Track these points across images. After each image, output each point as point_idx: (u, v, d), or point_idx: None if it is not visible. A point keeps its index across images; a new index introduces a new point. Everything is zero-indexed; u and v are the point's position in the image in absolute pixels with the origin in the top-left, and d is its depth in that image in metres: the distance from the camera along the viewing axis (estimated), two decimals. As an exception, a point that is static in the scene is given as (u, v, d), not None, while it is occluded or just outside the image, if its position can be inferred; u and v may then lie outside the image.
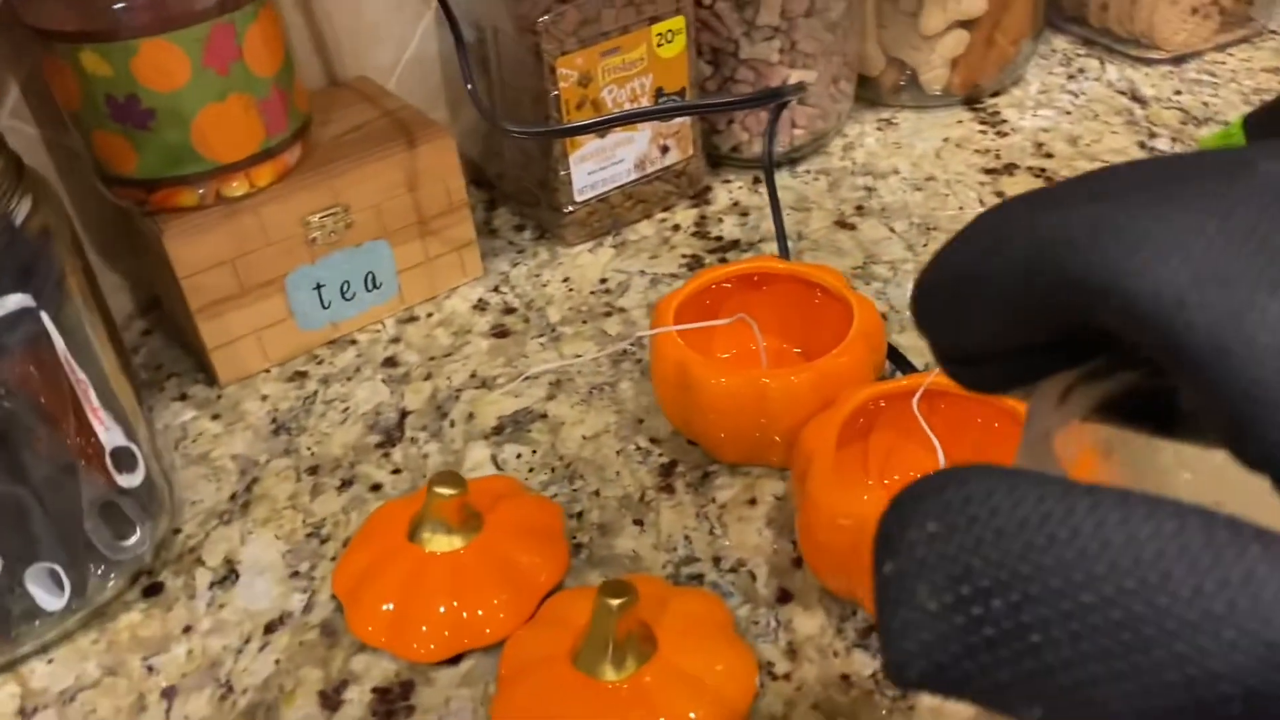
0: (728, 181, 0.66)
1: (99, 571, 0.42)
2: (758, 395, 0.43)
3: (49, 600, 0.40)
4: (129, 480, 0.42)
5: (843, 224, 0.61)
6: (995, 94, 0.72)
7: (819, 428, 0.41)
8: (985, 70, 0.69)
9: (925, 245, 0.59)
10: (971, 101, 0.71)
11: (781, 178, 0.66)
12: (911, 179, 0.65)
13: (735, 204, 0.64)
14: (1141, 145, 0.66)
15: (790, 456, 0.44)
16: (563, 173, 0.59)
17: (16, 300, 0.37)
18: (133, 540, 0.43)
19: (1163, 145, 0.65)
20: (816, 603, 0.41)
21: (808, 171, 0.66)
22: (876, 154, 0.68)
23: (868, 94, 0.71)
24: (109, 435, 0.41)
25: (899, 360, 0.50)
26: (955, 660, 0.14)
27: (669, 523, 0.44)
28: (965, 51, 0.68)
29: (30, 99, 0.53)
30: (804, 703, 0.37)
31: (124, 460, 0.42)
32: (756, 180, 0.66)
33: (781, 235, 0.56)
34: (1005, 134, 0.68)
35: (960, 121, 0.70)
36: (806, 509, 0.39)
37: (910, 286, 0.56)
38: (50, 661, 0.41)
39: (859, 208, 0.63)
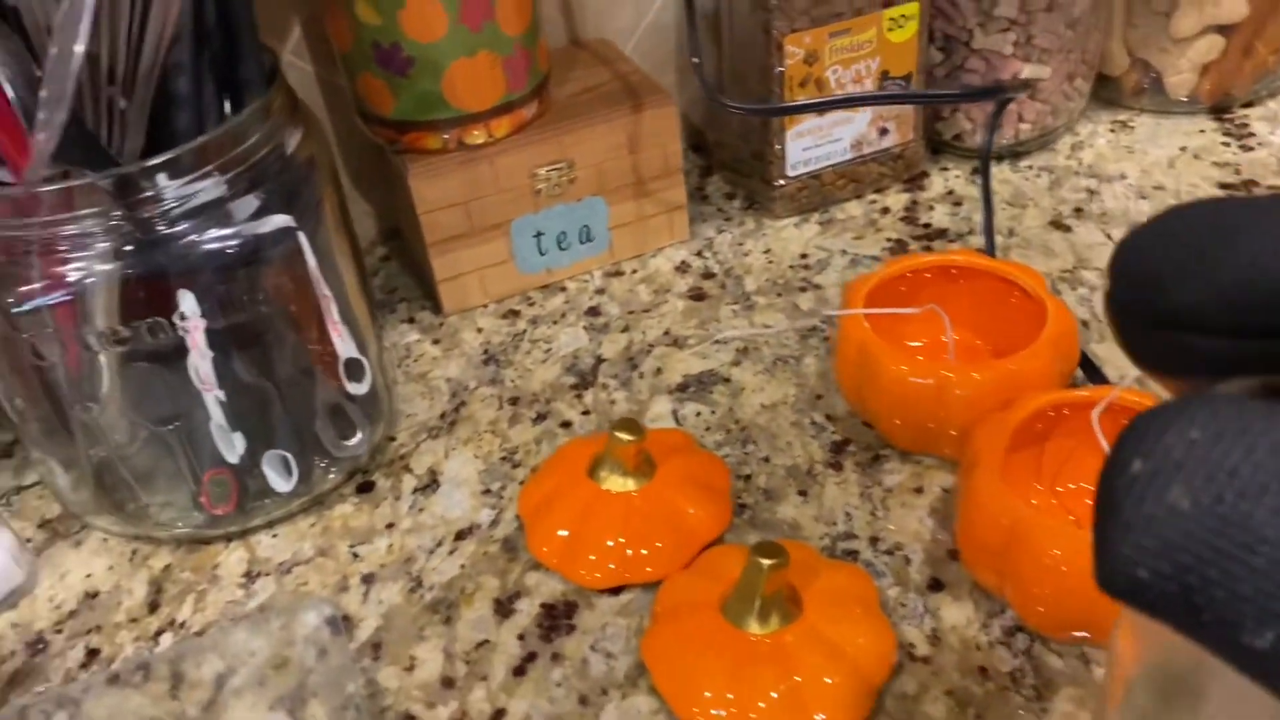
0: (945, 169, 0.66)
1: (322, 465, 0.48)
2: (938, 388, 0.44)
3: (279, 483, 0.47)
4: (356, 388, 0.48)
5: (1058, 224, 0.60)
6: (1247, 105, 0.68)
7: (992, 426, 0.41)
8: (1239, 79, 0.66)
9: (1142, 256, 0.57)
10: (1219, 111, 0.68)
11: (1001, 171, 0.65)
12: (1139, 186, 0.63)
13: (949, 192, 0.64)
14: None
15: (962, 451, 0.44)
16: (778, 147, 0.60)
17: (280, 220, 0.42)
18: (353, 441, 0.49)
19: None
20: (966, 595, 0.42)
21: (1030, 167, 0.65)
22: (1105, 156, 0.65)
23: (1106, 93, 0.69)
24: (344, 346, 0.46)
25: (1091, 370, 0.49)
26: (1198, 563, 0.13)
27: (832, 498, 0.46)
28: (1219, 58, 0.64)
29: (309, 39, 0.59)
30: (938, 687, 0.39)
31: (354, 370, 0.48)
32: (975, 171, 0.65)
33: (990, 231, 0.56)
34: (1251, 148, 0.64)
35: (1202, 131, 0.67)
36: (968, 503, 0.40)
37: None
38: (274, 536, 0.47)
39: (1078, 210, 0.61)
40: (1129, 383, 0.44)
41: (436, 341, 0.58)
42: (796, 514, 0.46)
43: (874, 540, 0.44)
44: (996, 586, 0.40)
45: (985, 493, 0.39)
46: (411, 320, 0.60)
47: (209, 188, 0.40)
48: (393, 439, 0.52)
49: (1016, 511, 0.38)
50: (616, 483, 0.45)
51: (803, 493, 0.47)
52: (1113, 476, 0.15)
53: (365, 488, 0.49)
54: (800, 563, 0.40)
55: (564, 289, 0.60)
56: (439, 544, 0.46)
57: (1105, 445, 0.41)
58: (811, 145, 0.61)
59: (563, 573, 0.44)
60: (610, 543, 0.44)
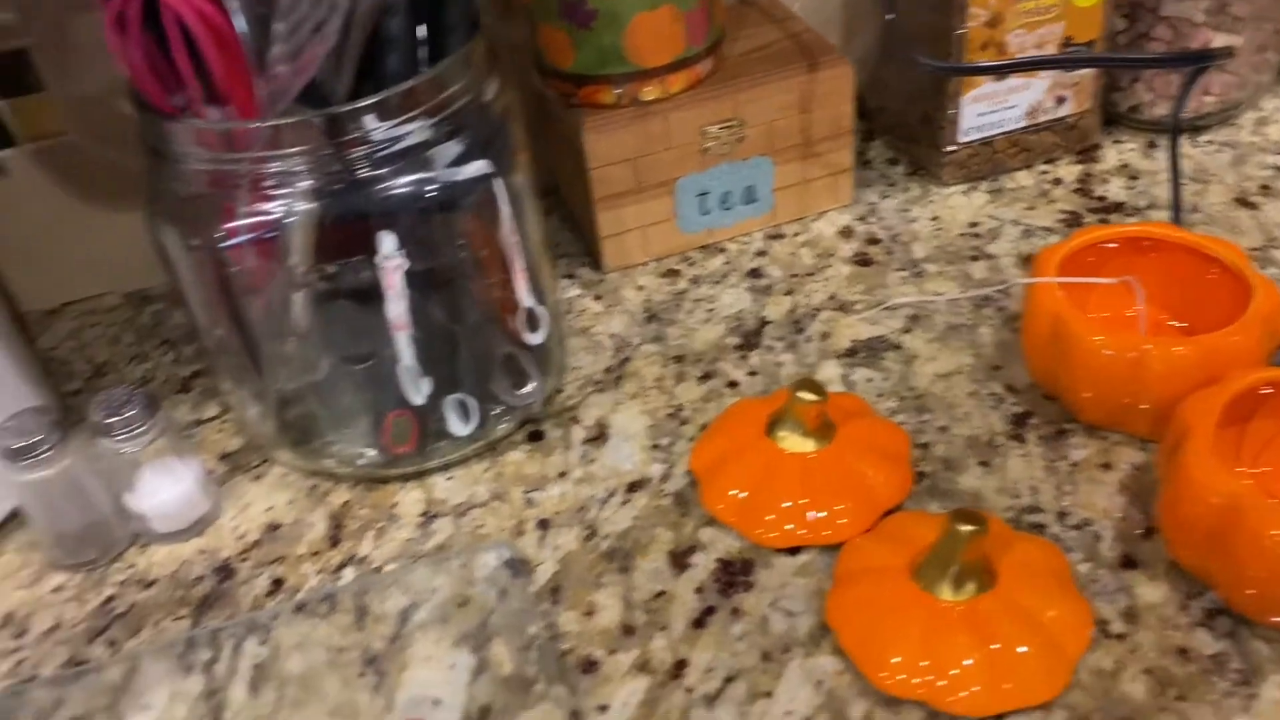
0: (1119, 142, 0.64)
1: (496, 412, 0.49)
2: (1135, 361, 0.43)
3: (458, 426, 0.47)
4: (533, 338, 0.48)
5: (1244, 202, 0.58)
6: None
7: (1201, 402, 0.40)
8: None
9: (1338, 236, 0.54)
10: None
11: (1180, 145, 0.62)
12: (1332, 163, 0.60)
13: (1124, 166, 0.62)
14: None
15: (1159, 428, 0.43)
16: (951, 111, 0.59)
17: (479, 166, 0.43)
18: (527, 390, 0.49)
19: None
20: (1162, 575, 0.40)
21: (1210, 142, 0.63)
22: (1294, 132, 0.62)
23: (1294, 66, 0.66)
24: (526, 296, 0.47)
25: (1292, 351, 0.47)
26: None
27: (1016, 470, 0.45)
28: None
29: (482, -8, 0.60)
30: (1135, 665, 0.37)
31: (532, 320, 0.48)
32: (1151, 144, 0.63)
33: (1177, 203, 0.53)
34: None
35: (1403, 107, 0.63)
36: (1175, 482, 0.39)
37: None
38: (449, 479, 0.48)
39: (1264, 187, 0.59)
40: (1344, 364, 0.42)
41: (598, 297, 0.58)
42: (979, 485, 0.45)
43: (1061, 515, 0.43)
44: (1200, 567, 0.39)
45: (1196, 470, 0.38)
46: (572, 276, 0.60)
47: (415, 131, 0.41)
48: (560, 391, 0.52)
49: (1232, 490, 0.36)
50: (795, 443, 0.44)
51: (984, 464, 0.46)
52: None
53: (536, 436, 0.50)
54: (992, 533, 0.39)
55: (723, 250, 0.60)
56: (611, 494, 0.46)
57: (1323, 427, 0.39)
58: (986, 111, 0.59)
59: (740, 530, 0.44)
60: (788, 503, 0.43)
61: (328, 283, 0.42)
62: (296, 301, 0.44)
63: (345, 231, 0.42)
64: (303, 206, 0.41)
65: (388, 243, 0.42)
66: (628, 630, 0.41)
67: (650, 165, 0.56)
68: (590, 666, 0.40)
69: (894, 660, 0.37)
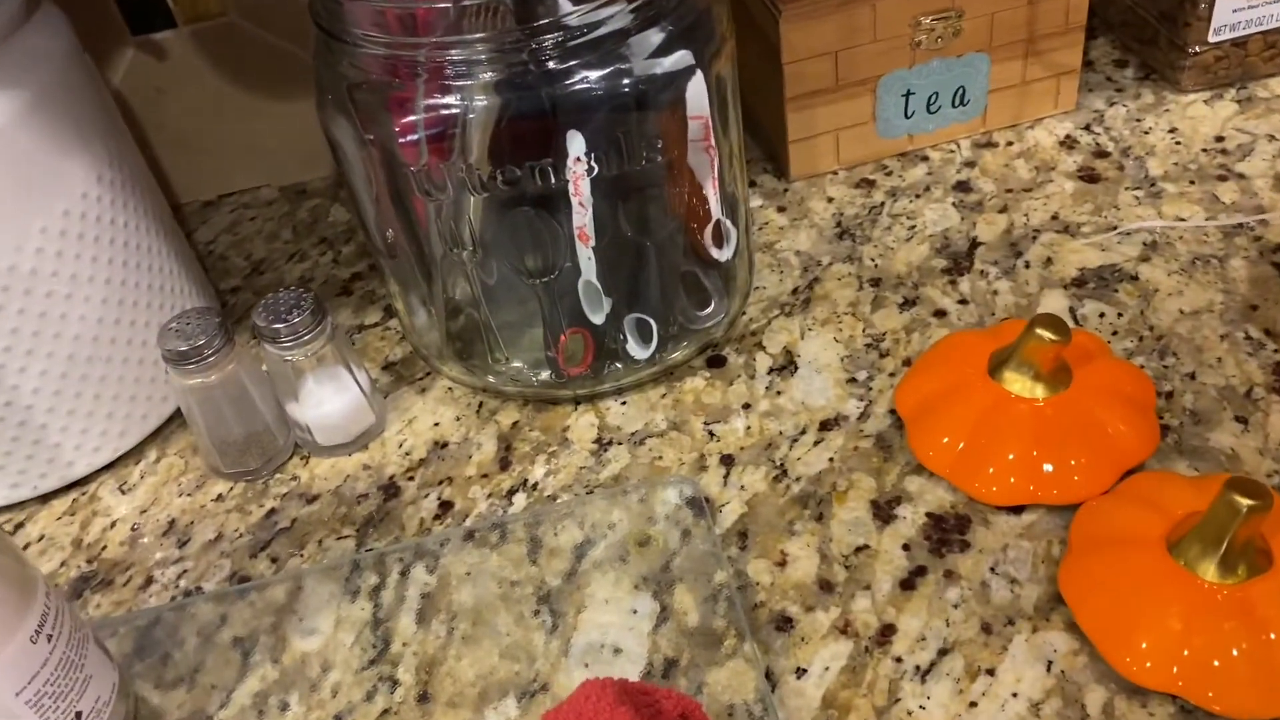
0: (1398, 45, 0.55)
1: (675, 335, 0.45)
2: None
3: (637, 349, 0.43)
4: (721, 254, 0.43)
5: None
6: None
7: None
8: None
9: None
10: None
11: None
12: None
13: (1405, 73, 0.53)
14: None
15: None
16: (1203, 5, 0.51)
17: (682, 57, 0.38)
18: (709, 311, 0.45)
19: None
20: None
21: None
22: None
23: None
24: (718, 208, 0.42)
25: None
26: None
27: (1279, 428, 0.39)
28: None
29: None
30: None
31: (721, 235, 0.43)
32: None
33: None
34: None
35: None
36: None
37: None
38: (624, 404, 0.45)
39: None
40: None
41: (782, 209, 0.53)
42: (1235, 443, 0.39)
43: (1339, 485, 0.37)
44: None
45: None
46: (753, 184, 0.55)
47: (614, 17, 0.36)
48: (743, 314, 0.48)
49: None
50: (1024, 386, 0.39)
51: (1241, 419, 0.39)
52: None
53: (716, 362, 0.46)
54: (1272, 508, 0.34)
55: (925, 159, 0.54)
56: (802, 432, 0.42)
57: None
58: (1243, 6, 0.51)
59: (954, 481, 0.39)
60: (1013, 455, 0.38)
61: (509, 187, 0.38)
62: (474, 206, 0.40)
63: (530, 130, 0.38)
64: (485, 100, 0.37)
65: (576, 144, 0.37)
66: (826, 586, 0.37)
67: (853, 60, 0.50)
68: (785, 624, 0.36)
69: (1143, 645, 0.32)
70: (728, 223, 0.43)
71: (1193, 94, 0.54)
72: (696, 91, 0.38)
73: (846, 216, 0.51)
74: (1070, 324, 0.44)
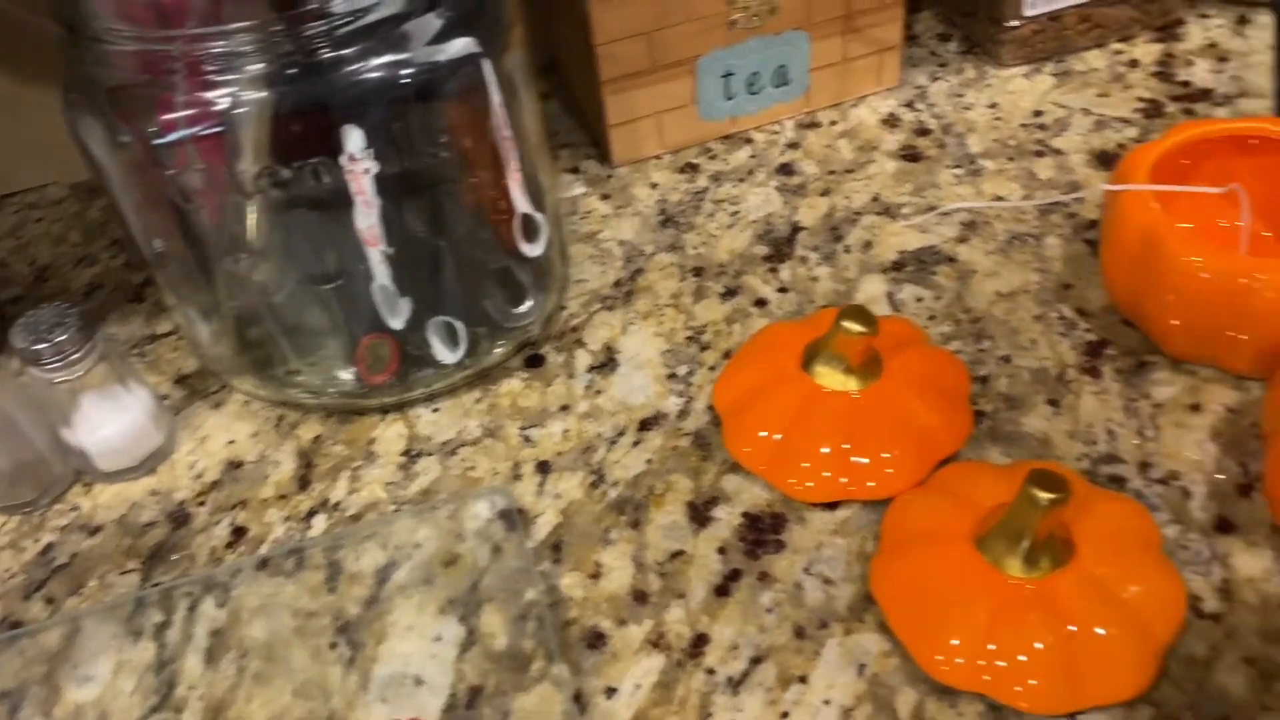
0: (1205, 16, 0.55)
1: (488, 335, 0.42)
2: (1244, 288, 0.36)
3: (444, 353, 0.41)
4: (531, 249, 0.41)
5: (1353, 89, 0.50)
6: None
7: (1329, 343, 0.33)
8: None
9: None
10: None
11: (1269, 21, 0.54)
12: None
13: (1211, 45, 0.54)
14: None
15: (1263, 367, 0.37)
16: (1017, -20, 0.51)
17: (464, 45, 0.35)
18: (524, 309, 0.43)
19: None
20: (1265, 542, 0.34)
21: (1312, 17, 0.54)
22: None
23: None
24: (522, 200, 0.40)
25: None
26: None
27: (1090, 411, 0.39)
28: None
29: None
30: (1233, 653, 0.32)
31: (530, 229, 0.41)
32: (1242, 20, 0.55)
33: (1283, 93, 0.46)
34: None
35: None
36: (1292, 437, 0.33)
37: None
38: (435, 411, 0.42)
39: (1377, 72, 0.51)
40: None
41: (606, 196, 0.51)
42: (1047, 427, 0.39)
43: (1144, 466, 0.37)
44: (1313, 537, 0.33)
45: (1322, 427, 0.32)
46: (576, 170, 0.52)
47: (385, 2, 0.33)
48: (563, 308, 0.46)
49: (1369, 455, 0.30)
50: (836, 379, 0.38)
51: (1053, 402, 0.39)
52: None
53: (534, 362, 0.44)
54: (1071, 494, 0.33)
55: (750, 140, 0.52)
56: (621, 433, 0.40)
57: None
58: (1057, -21, 0.51)
59: (769, 479, 0.38)
60: (827, 449, 0.37)
61: (285, 188, 0.35)
62: (252, 211, 0.37)
63: (304, 126, 0.35)
64: (253, 96, 0.34)
65: (354, 139, 0.35)
66: (639, 597, 0.36)
67: (668, 40, 0.48)
68: (596, 640, 0.34)
69: (951, 644, 0.32)
70: (537, 215, 0.41)
71: (1013, 68, 0.54)
72: (485, 80, 0.36)
73: (670, 203, 0.50)
74: (888, 309, 0.44)
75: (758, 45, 0.50)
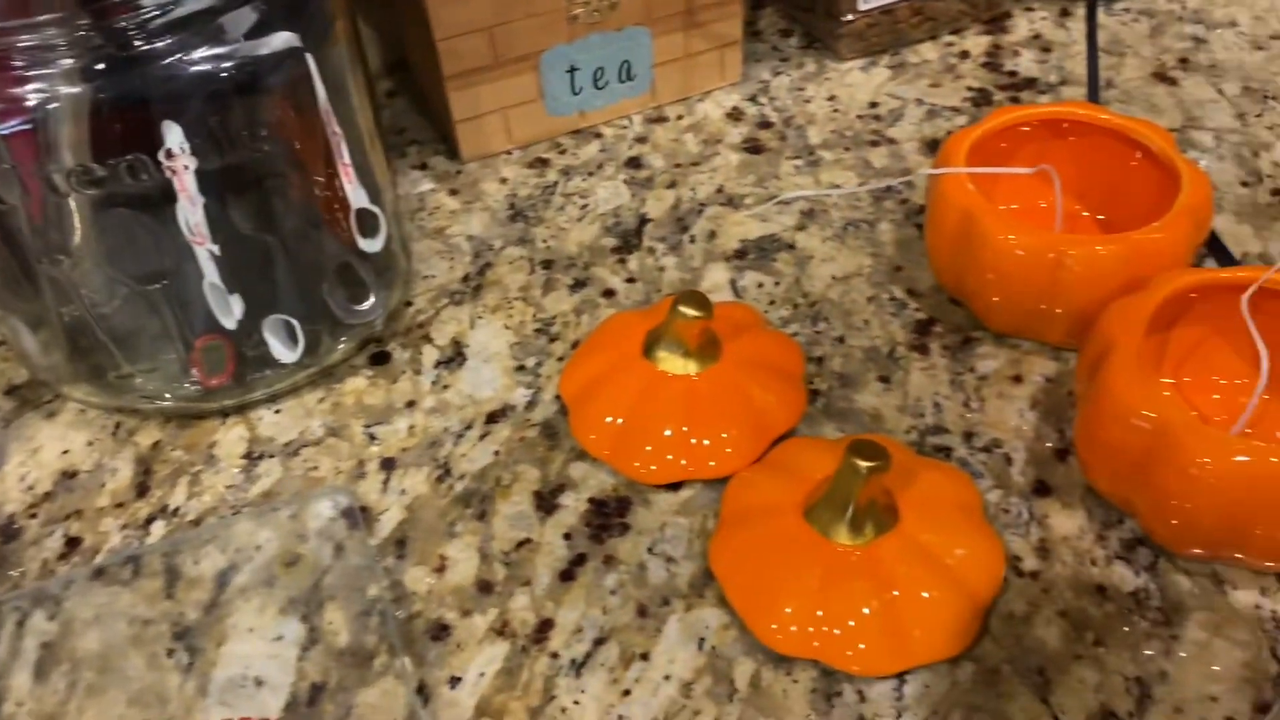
0: (1030, 10, 0.58)
1: (330, 332, 0.42)
2: (1053, 262, 0.38)
3: (283, 352, 0.40)
4: (370, 244, 0.41)
5: (1162, 76, 0.53)
6: (1378, -57, 0.60)
7: (1125, 311, 0.35)
8: (1374, -88, 0.57)
9: (1259, 116, 0.50)
10: (1345, -51, 0.60)
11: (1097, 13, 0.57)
12: (1251, 36, 0.55)
13: (1036, 36, 0.56)
14: None
15: (1076, 336, 0.39)
16: (850, -24, 0.52)
17: (284, 38, 0.35)
18: (366, 305, 0.42)
19: None
20: (1079, 502, 0.36)
21: (1127, 10, 0.57)
22: (1213, 0, 0.58)
23: (1215, -74, 0.61)
24: (356, 195, 0.40)
25: (1217, 247, 0.43)
26: None
27: (918, 385, 0.40)
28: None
29: None
30: (1049, 607, 0.34)
31: (367, 223, 0.41)
32: (1064, 12, 0.58)
33: (1095, 80, 0.48)
34: (1382, -6, 0.57)
35: (1326, -28, 0.59)
36: (1096, 400, 0.34)
37: (1233, 163, 0.48)
38: (277, 412, 0.42)
39: (1183, 60, 0.54)
40: (1277, 265, 0.38)
41: (454, 192, 0.51)
42: (878, 402, 0.40)
43: (968, 435, 0.39)
44: (1119, 495, 0.35)
45: (1120, 388, 0.33)
46: (424, 167, 0.52)
47: (195, -7, 0.33)
48: (409, 304, 0.45)
49: (1159, 412, 0.32)
50: (676, 364, 0.39)
51: (884, 379, 0.41)
52: None
53: (380, 359, 0.43)
54: (895, 462, 0.35)
55: (599, 135, 0.53)
56: (468, 427, 0.41)
57: (1256, 335, 0.35)
58: (887, -25, 0.53)
59: (614, 464, 0.38)
60: (668, 432, 0.38)
61: (101, 186, 0.34)
62: (70, 211, 0.36)
63: (123, 122, 0.34)
64: (66, 91, 0.33)
65: (174, 135, 0.34)
66: (485, 587, 0.36)
67: (510, 36, 0.48)
68: (441, 632, 0.34)
69: (786, 611, 0.33)
70: (374, 210, 0.41)
71: (851, 61, 0.56)
72: (309, 74, 0.36)
73: (520, 198, 0.50)
74: (730, 295, 0.45)
75: (600, 41, 0.50)
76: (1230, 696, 0.31)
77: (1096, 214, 0.44)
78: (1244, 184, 0.47)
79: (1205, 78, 0.53)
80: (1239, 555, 0.33)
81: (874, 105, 0.53)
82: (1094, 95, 0.49)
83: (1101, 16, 0.57)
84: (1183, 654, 0.32)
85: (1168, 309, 0.37)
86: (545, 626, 0.34)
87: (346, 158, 0.39)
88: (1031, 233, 0.38)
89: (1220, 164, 0.48)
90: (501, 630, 0.34)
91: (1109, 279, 0.38)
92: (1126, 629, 0.33)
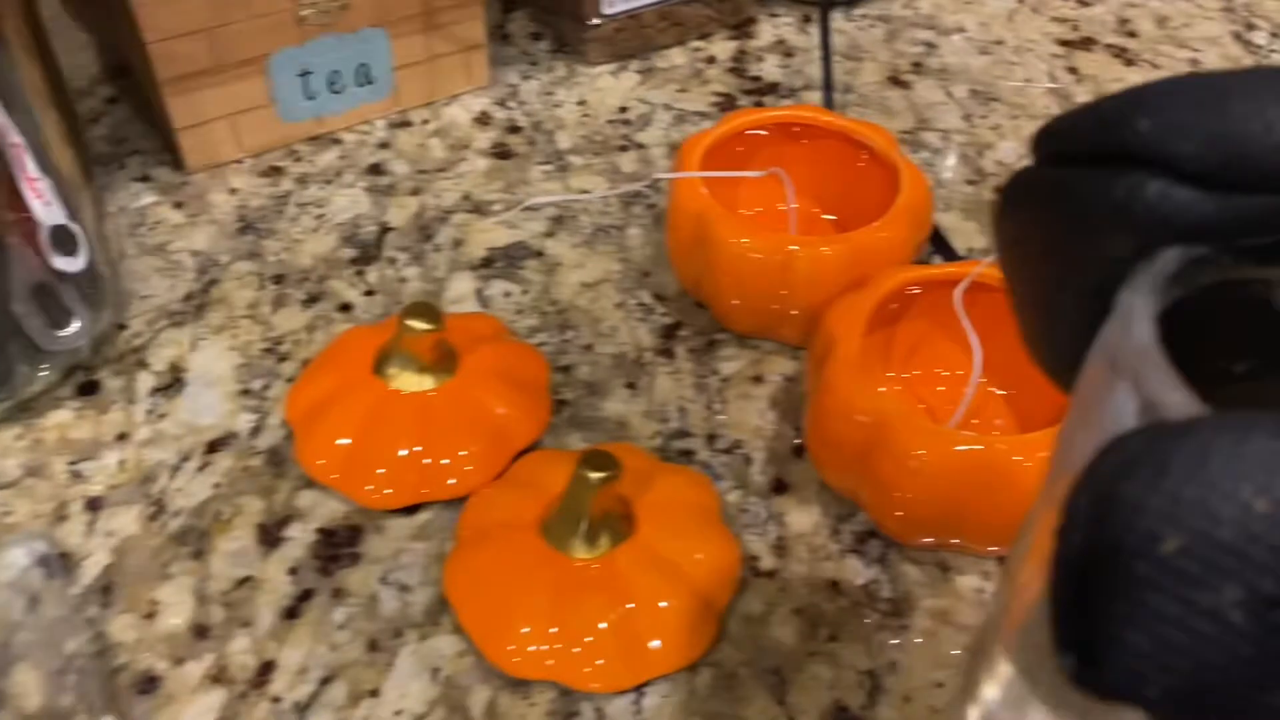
0: (775, 15, 0.59)
1: (29, 360, 0.38)
2: (782, 263, 0.38)
3: (-33, 387, 0.36)
4: (68, 264, 0.37)
5: (896, 80, 0.55)
6: (1085, -43, 0.64)
7: (847, 309, 0.36)
8: (1079, -73, 0.61)
9: (984, 117, 0.53)
10: (1057, -38, 0.64)
11: (833, 20, 0.59)
12: (978, 40, 0.58)
13: (780, 42, 0.58)
14: (1237, 36, 0.59)
15: (808, 335, 0.39)
16: (593, -21, 0.52)
17: (-65, 38, 0.31)
18: (69, 330, 0.39)
19: (1260, 39, 0.59)
20: (814, 498, 0.37)
21: (864, 16, 0.60)
22: (943, 6, 0.60)
23: (943, -63, 0.64)
24: (47, 211, 0.36)
25: (940, 243, 0.45)
26: (1251, 685, 0.10)
27: (664, 390, 0.40)
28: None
29: None
30: (785, 605, 0.34)
31: (63, 241, 0.37)
32: (807, 19, 0.59)
33: (829, 84, 0.50)
34: (1089, 3, 0.61)
35: (1042, -17, 0.63)
36: (820, 397, 0.35)
37: (954, 160, 0.50)
38: (-33, 452, 0.37)
39: (916, 65, 0.56)
40: (988, 259, 0.40)
41: (179, 205, 0.47)
42: (625, 409, 0.39)
43: (711, 438, 0.39)
44: (849, 489, 0.36)
45: (842, 385, 0.34)
46: (146, 178, 0.48)
47: None
48: (124, 327, 0.42)
49: (878, 408, 0.33)
50: (409, 380, 0.37)
51: (631, 385, 0.40)
52: (1128, 556, 0.11)
53: (88, 389, 0.40)
54: (633, 469, 0.34)
55: (339, 141, 0.50)
56: (186, 458, 0.37)
57: (969, 328, 0.36)
58: (631, -21, 0.53)
59: (344, 491, 0.36)
60: (403, 452, 0.36)
61: None
62: None
63: None
64: None
65: None
66: (200, 632, 0.33)
67: (232, 37, 0.45)
68: (149, 684, 0.32)
69: (519, 636, 0.32)
70: (72, 225, 0.37)
71: (600, 66, 0.55)
72: (-27, 77, 0.32)
73: (251, 209, 0.47)
74: (476, 306, 0.43)
75: (333, 43, 0.48)
76: (956, 680, 0.32)
77: (832, 215, 0.45)
78: (970, 182, 0.49)
79: (936, 81, 0.55)
80: (959, 542, 0.34)
81: (623, 110, 0.53)
82: (829, 100, 0.50)
83: (840, 22, 0.59)
84: (912, 641, 0.33)
85: (891, 305, 0.38)
86: (267, 669, 0.32)
87: (33, 171, 0.35)
88: (761, 235, 0.39)
89: (948, 163, 0.50)
90: (218, 677, 0.32)
91: (836, 278, 0.38)
92: (859, 622, 0.34)
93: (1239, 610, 0.10)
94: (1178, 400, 0.13)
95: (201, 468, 0.37)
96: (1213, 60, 0.57)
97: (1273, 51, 0.58)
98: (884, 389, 0.33)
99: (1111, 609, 0.11)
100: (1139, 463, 0.11)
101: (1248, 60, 0.57)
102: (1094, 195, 0.14)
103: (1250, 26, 0.60)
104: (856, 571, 0.35)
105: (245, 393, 0.40)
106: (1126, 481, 0.11)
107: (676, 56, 0.56)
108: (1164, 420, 0.12)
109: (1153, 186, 0.14)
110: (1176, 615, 0.10)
